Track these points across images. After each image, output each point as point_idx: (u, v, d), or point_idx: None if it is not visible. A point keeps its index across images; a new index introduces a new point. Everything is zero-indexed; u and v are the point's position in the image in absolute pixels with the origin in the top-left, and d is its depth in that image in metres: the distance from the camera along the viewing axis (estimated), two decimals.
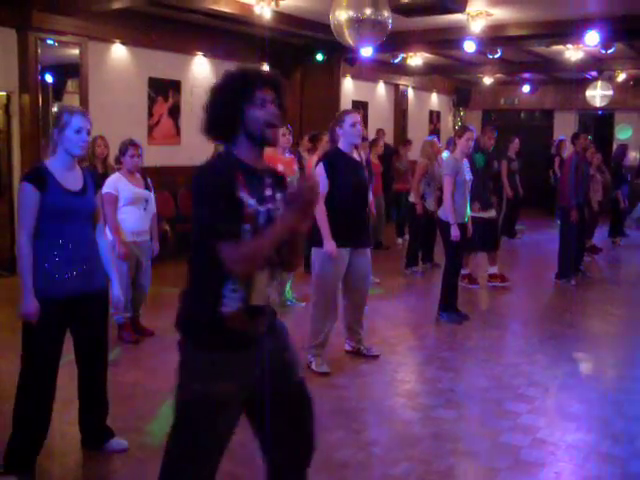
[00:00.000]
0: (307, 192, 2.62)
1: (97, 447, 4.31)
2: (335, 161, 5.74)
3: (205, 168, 2.78)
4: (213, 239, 2.64)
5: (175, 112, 11.35)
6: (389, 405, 5.10)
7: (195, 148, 10.91)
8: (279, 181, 2.92)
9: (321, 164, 5.74)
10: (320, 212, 5.58)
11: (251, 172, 2.78)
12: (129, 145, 6.36)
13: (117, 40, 10.24)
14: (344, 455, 4.35)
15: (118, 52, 10.33)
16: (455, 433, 4.71)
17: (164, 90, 11.16)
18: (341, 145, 5.79)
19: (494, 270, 9.43)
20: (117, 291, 4.26)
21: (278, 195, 2.84)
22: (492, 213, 9.08)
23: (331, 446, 4.45)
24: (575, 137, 9.94)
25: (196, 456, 2.75)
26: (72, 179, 3.95)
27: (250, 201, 2.71)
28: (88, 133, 3.95)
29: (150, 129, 10.90)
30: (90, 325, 4.11)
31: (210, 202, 2.66)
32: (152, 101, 10.96)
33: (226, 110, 2.79)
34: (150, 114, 10.92)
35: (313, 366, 5.78)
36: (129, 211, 6.35)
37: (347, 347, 6.30)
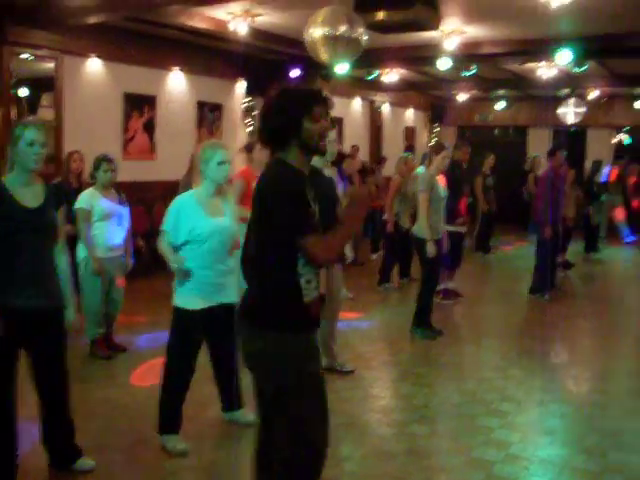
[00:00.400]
0: (366, 196, 3.35)
1: (64, 467, 4.26)
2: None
3: (279, 176, 3.20)
4: (298, 236, 3.06)
5: (150, 127, 11.32)
6: (363, 421, 5.10)
7: (170, 163, 10.98)
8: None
9: None
10: None
11: (308, 180, 3.28)
12: (103, 160, 6.34)
13: (92, 54, 10.20)
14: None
15: (93, 66, 10.29)
16: (429, 449, 4.72)
17: (139, 105, 11.12)
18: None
19: (452, 285, 9.45)
20: (71, 315, 4.15)
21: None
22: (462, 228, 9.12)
23: None
24: (551, 153, 10.01)
25: (318, 428, 3.32)
26: (30, 195, 3.90)
27: (314, 207, 3.26)
28: (43, 146, 3.88)
29: (125, 144, 10.85)
30: (46, 344, 4.03)
31: (293, 204, 3.09)
32: (127, 116, 10.91)
33: (286, 122, 3.16)
34: (125, 129, 10.88)
35: (337, 366, 5.81)
36: (103, 226, 6.33)
37: (323, 364, 6.28)
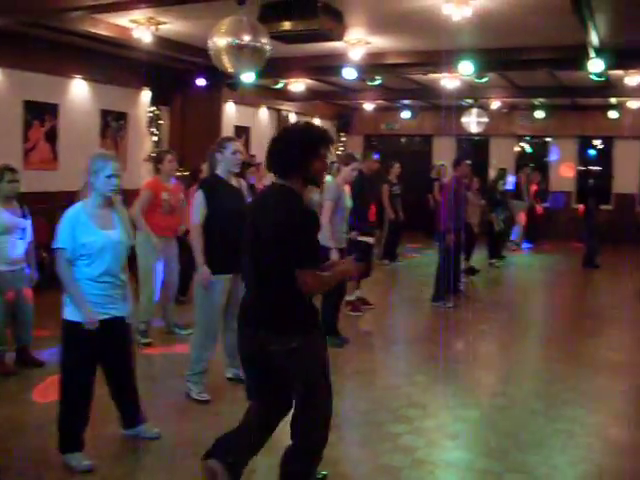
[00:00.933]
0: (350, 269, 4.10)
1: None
2: (213, 188, 5.70)
3: (295, 207, 3.72)
4: (301, 266, 3.62)
5: (52, 136, 11.04)
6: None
7: (73, 173, 10.69)
8: None
9: (199, 191, 5.69)
10: (195, 241, 5.60)
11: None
12: (5, 170, 6.15)
13: None
14: None
15: None
16: (336, 456, 4.71)
17: (40, 114, 10.84)
18: (219, 171, 5.77)
19: (359, 293, 9.53)
20: None
21: None
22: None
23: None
24: (456, 163, 10.24)
25: (328, 411, 3.91)
26: None
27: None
28: None
29: (26, 153, 10.55)
30: None
31: (310, 233, 3.69)
32: (28, 125, 10.62)
33: (296, 159, 3.76)
34: (26, 138, 10.58)
35: (193, 394, 5.72)
36: (4, 240, 6.13)
37: (228, 374, 6.24)
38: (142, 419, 4.96)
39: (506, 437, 5.14)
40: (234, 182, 5.85)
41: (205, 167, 7.51)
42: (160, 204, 7.37)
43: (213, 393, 5.85)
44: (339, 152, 18.53)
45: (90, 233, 4.40)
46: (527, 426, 5.39)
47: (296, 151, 3.76)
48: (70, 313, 4.45)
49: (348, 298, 9.07)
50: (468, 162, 10.25)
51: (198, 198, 5.64)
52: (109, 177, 4.44)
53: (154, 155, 7.75)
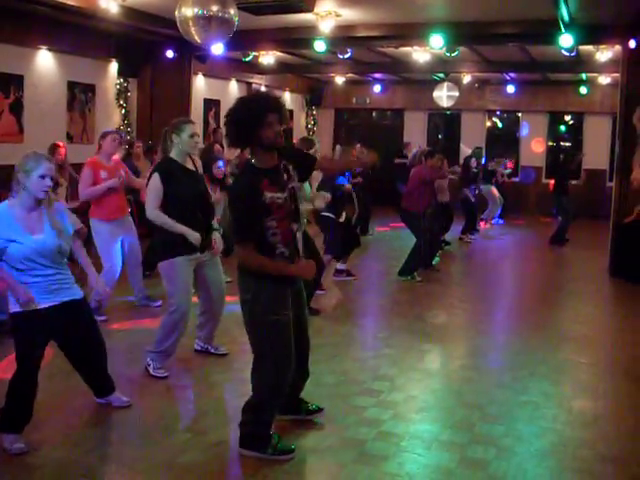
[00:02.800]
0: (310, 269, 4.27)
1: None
2: (170, 171, 5.56)
3: (236, 182, 4.32)
4: (239, 238, 4.08)
5: (18, 108, 10.85)
6: (235, 405, 5.01)
7: (39, 146, 10.51)
8: (287, 168, 4.28)
9: (155, 175, 5.52)
10: (162, 220, 5.49)
11: (271, 172, 4.13)
12: None
13: None
14: (189, 458, 4.28)
15: None
16: (300, 430, 4.72)
17: (5, 85, 10.63)
18: (174, 154, 5.64)
19: (343, 266, 9.63)
20: None
21: (291, 175, 4.28)
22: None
23: (175, 449, 4.38)
24: (430, 154, 10.31)
25: (284, 360, 4.22)
26: None
27: (276, 195, 4.08)
28: None
29: None
30: None
31: (238, 209, 4.08)
32: None
33: (244, 131, 4.05)
34: None
35: (151, 369, 5.66)
36: None
37: (197, 347, 6.23)
38: (112, 388, 4.99)
39: (472, 409, 5.17)
40: (190, 165, 5.76)
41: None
42: (99, 181, 7.17)
43: (179, 365, 5.84)
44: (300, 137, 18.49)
45: (17, 237, 4.20)
46: (493, 398, 5.42)
47: (242, 122, 4.05)
48: (14, 305, 4.33)
49: (340, 267, 9.55)
50: (441, 157, 10.38)
51: (154, 182, 5.50)
52: (42, 177, 4.24)
53: (102, 133, 7.52)
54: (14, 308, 4.33)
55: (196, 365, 6.02)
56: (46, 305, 4.36)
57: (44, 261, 4.30)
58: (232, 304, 7.92)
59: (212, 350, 6.21)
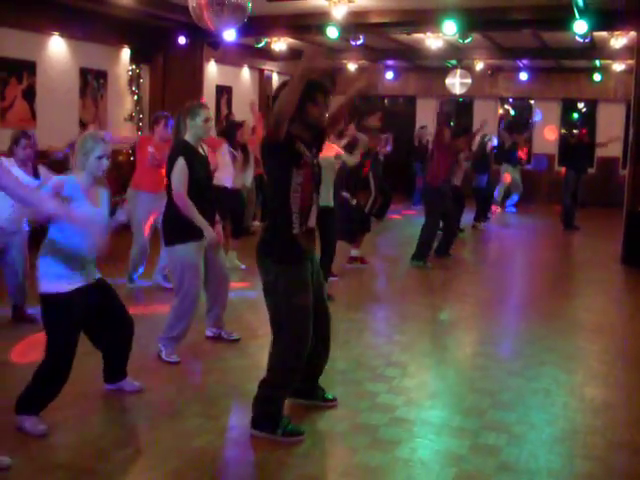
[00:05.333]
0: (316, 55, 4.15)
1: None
2: (189, 155, 5.57)
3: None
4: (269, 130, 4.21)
5: (30, 94, 10.86)
6: (248, 390, 5.05)
7: (52, 131, 10.58)
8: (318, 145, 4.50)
9: (181, 159, 5.49)
10: (189, 208, 5.48)
11: (305, 143, 4.29)
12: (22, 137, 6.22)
13: None
14: (202, 441, 4.31)
15: None
16: (313, 415, 4.75)
17: (18, 71, 10.64)
18: (188, 138, 5.64)
19: (356, 253, 9.65)
20: None
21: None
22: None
23: (189, 433, 4.42)
24: (457, 136, 10.63)
25: (301, 341, 4.33)
26: None
27: (306, 152, 4.27)
28: None
29: (3, 112, 10.38)
30: None
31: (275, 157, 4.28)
32: (4, 83, 10.43)
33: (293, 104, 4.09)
34: (2, 96, 10.40)
35: (163, 355, 5.69)
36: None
37: (208, 333, 6.26)
38: (125, 373, 5.03)
39: (484, 396, 5.18)
40: (200, 150, 5.77)
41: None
42: (146, 158, 7.55)
43: (192, 350, 5.88)
44: None
45: (80, 204, 4.38)
46: (505, 385, 5.43)
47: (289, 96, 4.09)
48: (45, 285, 4.37)
49: (353, 254, 9.57)
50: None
51: (181, 166, 5.48)
52: (99, 158, 4.46)
53: (154, 116, 7.91)
54: (46, 288, 4.36)
55: (208, 351, 6.05)
56: (76, 286, 4.41)
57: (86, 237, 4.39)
58: (244, 290, 8.02)
59: (224, 336, 6.24)
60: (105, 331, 4.78)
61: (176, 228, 5.61)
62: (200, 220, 5.50)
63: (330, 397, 4.91)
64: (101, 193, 4.63)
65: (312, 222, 4.39)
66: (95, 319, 4.66)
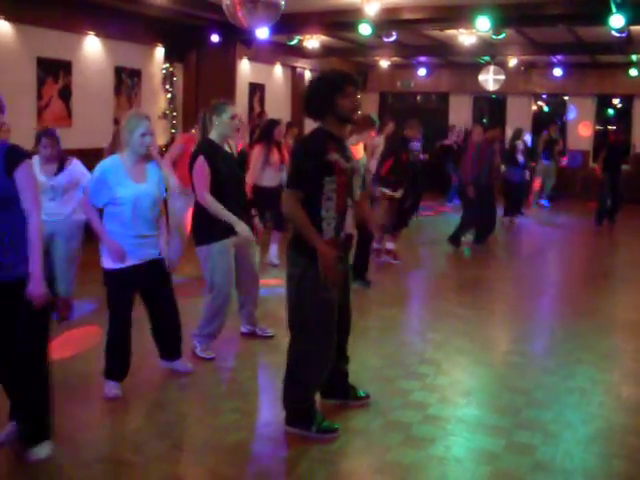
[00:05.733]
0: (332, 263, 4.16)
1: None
2: (211, 153, 5.56)
3: (307, 136, 4.42)
4: (289, 185, 4.22)
5: (66, 93, 10.99)
6: (281, 387, 5.11)
7: (87, 130, 10.70)
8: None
9: (201, 158, 5.50)
10: (214, 206, 5.50)
11: (339, 141, 4.32)
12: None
13: (1, 16, 9.75)
14: (237, 438, 4.34)
15: (3, 29, 9.86)
16: (347, 413, 4.75)
17: (54, 71, 10.77)
18: (214, 136, 5.64)
19: (392, 246, 9.69)
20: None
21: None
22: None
23: (224, 429, 4.45)
24: (490, 127, 11.17)
25: (327, 337, 4.33)
26: None
27: (340, 160, 4.20)
28: None
29: (40, 111, 10.51)
30: None
31: (299, 159, 4.22)
32: (41, 82, 10.56)
33: (324, 98, 4.24)
34: (39, 95, 10.53)
35: (197, 351, 5.73)
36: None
37: (243, 330, 6.29)
38: (179, 354, 5.35)
39: (518, 394, 5.15)
40: (227, 147, 5.78)
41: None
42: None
43: (226, 347, 5.92)
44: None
45: (122, 184, 4.73)
46: (540, 384, 5.39)
47: (322, 89, 4.28)
48: (105, 262, 4.83)
49: (388, 246, 9.67)
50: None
51: (201, 165, 5.48)
52: (143, 135, 4.75)
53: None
54: (107, 264, 4.82)
55: (242, 347, 6.09)
56: (134, 263, 4.82)
57: (143, 213, 4.79)
58: (279, 287, 8.04)
59: (259, 332, 6.26)
60: (154, 308, 5.13)
61: (204, 227, 5.62)
62: (228, 216, 5.51)
63: (362, 395, 4.91)
64: (149, 169, 4.90)
65: (349, 228, 4.44)
66: (147, 295, 5.06)
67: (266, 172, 8.77)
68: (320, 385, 4.51)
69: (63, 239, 6.48)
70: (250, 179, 8.39)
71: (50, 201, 6.30)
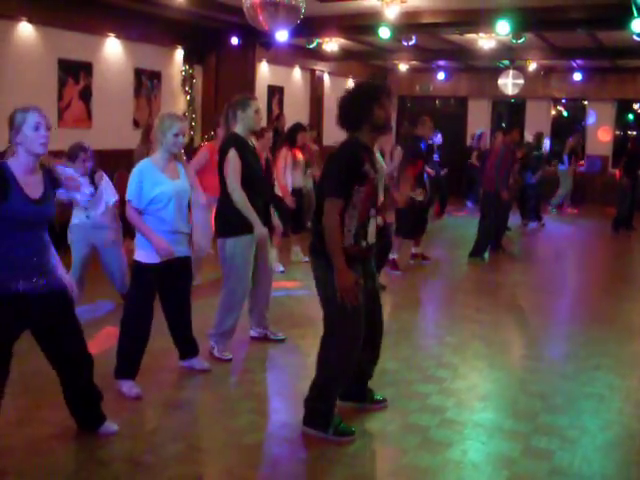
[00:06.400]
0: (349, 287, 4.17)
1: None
2: (242, 147, 5.60)
3: (343, 146, 4.36)
4: (329, 193, 4.19)
5: (87, 95, 11.06)
6: (298, 388, 5.08)
7: (107, 131, 10.77)
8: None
9: (233, 151, 5.52)
10: (243, 203, 5.52)
11: (370, 151, 4.40)
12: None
13: (23, 18, 9.86)
14: (254, 439, 4.35)
15: (25, 31, 9.95)
16: (363, 416, 4.75)
17: (75, 72, 10.84)
18: (239, 130, 5.65)
19: (417, 250, 9.76)
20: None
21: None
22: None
23: (240, 430, 4.46)
24: (508, 130, 10.92)
25: (352, 340, 4.34)
26: (33, 184, 3.82)
27: (371, 171, 4.27)
28: (48, 129, 3.82)
29: (60, 112, 10.58)
30: None
31: (341, 169, 4.22)
32: (62, 83, 10.64)
33: (360, 108, 4.32)
34: (60, 96, 10.61)
35: (215, 352, 5.73)
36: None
37: (253, 334, 6.26)
38: (196, 351, 5.44)
39: (536, 399, 5.13)
40: (250, 142, 5.80)
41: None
42: (214, 165, 7.47)
43: (241, 350, 5.93)
44: None
45: (162, 182, 4.86)
46: (557, 389, 5.37)
47: (358, 100, 4.34)
48: (140, 255, 4.91)
49: (413, 250, 9.88)
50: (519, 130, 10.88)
51: (234, 158, 5.50)
52: (176, 135, 4.87)
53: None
54: (140, 258, 4.91)
55: (258, 349, 6.07)
56: (164, 259, 4.90)
57: (177, 209, 4.93)
58: (295, 289, 8.06)
59: (270, 336, 6.22)
60: (171, 306, 5.22)
61: (228, 221, 5.63)
62: (252, 214, 5.53)
63: (380, 398, 4.90)
64: (179, 168, 5.05)
65: (371, 238, 4.42)
66: (165, 293, 5.14)
67: (292, 175, 9.11)
68: (342, 387, 4.52)
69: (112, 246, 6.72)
70: (281, 180, 8.61)
71: (87, 215, 6.49)
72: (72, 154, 6.37)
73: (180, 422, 4.66)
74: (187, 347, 5.41)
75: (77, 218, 6.52)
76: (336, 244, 4.18)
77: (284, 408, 4.97)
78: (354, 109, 4.34)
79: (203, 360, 5.48)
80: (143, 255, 4.91)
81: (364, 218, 4.32)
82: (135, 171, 4.91)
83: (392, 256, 9.27)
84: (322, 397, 4.38)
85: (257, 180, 5.68)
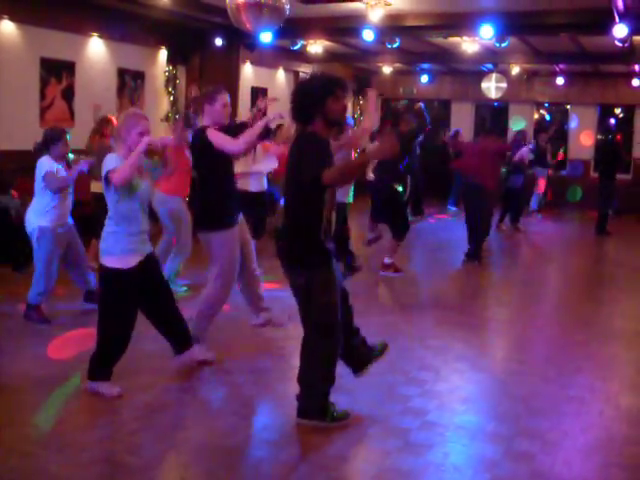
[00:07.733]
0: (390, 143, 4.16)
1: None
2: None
3: (308, 140, 4.24)
4: (320, 172, 4.03)
5: (69, 94, 11.00)
6: (282, 390, 5.08)
7: (89, 131, 10.66)
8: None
9: (211, 129, 5.45)
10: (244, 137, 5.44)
11: (327, 144, 4.30)
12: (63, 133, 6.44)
13: (5, 16, 9.78)
14: (236, 441, 4.33)
15: (7, 29, 9.87)
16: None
17: (57, 71, 10.78)
18: (207, 123, 5.57)
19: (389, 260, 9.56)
20: None
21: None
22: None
23: (223, 433, 4.43)
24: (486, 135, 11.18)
25: (335, 334, 4.42)
26: None
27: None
28: None
29: (42, 111, 10.52)
30: None
31: (317, 155, 4.14)
32: (44, 82, 10.57)
33: (313, 101, 4.19)
34: (42, 96, 10.54)
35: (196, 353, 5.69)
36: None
37: (259, 320, 6.29)
38: (191, 342, 5.34)
39: (518, 402, 5.14)
40: None
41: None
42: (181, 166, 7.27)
43: (226, 352, 5.90)
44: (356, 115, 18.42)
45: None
46: (539, 392, 5.38)
47: (310, 92, 4.23)
48: (109, 260, 4.79)
49: (387, 261, 9.26)
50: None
51: (217, 132, 5.42)
52: (141, 134, 4.74)
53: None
54: (109, 263, 4.78)
55: (242, 350, 6.05)
56: (140, 259, 4.85)
57: (143, 209, 4.90)
58: (275, 290, 8.03)
59: (275, 320, 6.36)
60: (154, 304, 5.14)
61: (210, 214, 5.60)
62: (258, 129, 5.42)
63: (378, 353, 4.98)
64: (145, 165, 4.95)
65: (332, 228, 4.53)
66: (146, 292, 5.03)
67: (252, 177, 8.44)
68: (334, 379, 4.54)
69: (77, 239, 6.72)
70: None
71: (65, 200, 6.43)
72: (57, 137, 6.35)
73: (162, 424, 4.63)
74: (182, 339, 5.29)
75: None
76: (354, 163, 4.53)
77: (267, 410, 4.97)
78: (308, 101, 4.24)
79: (204, 349, 5.49)
80: (114, 260, 4.78)
81: (331, 209, 4.42)
82: (113, 156, 4.77)
83: (388, 261, 9.23)
84: (316, 392, 4.49)
85: (229, 173, 5.71)
